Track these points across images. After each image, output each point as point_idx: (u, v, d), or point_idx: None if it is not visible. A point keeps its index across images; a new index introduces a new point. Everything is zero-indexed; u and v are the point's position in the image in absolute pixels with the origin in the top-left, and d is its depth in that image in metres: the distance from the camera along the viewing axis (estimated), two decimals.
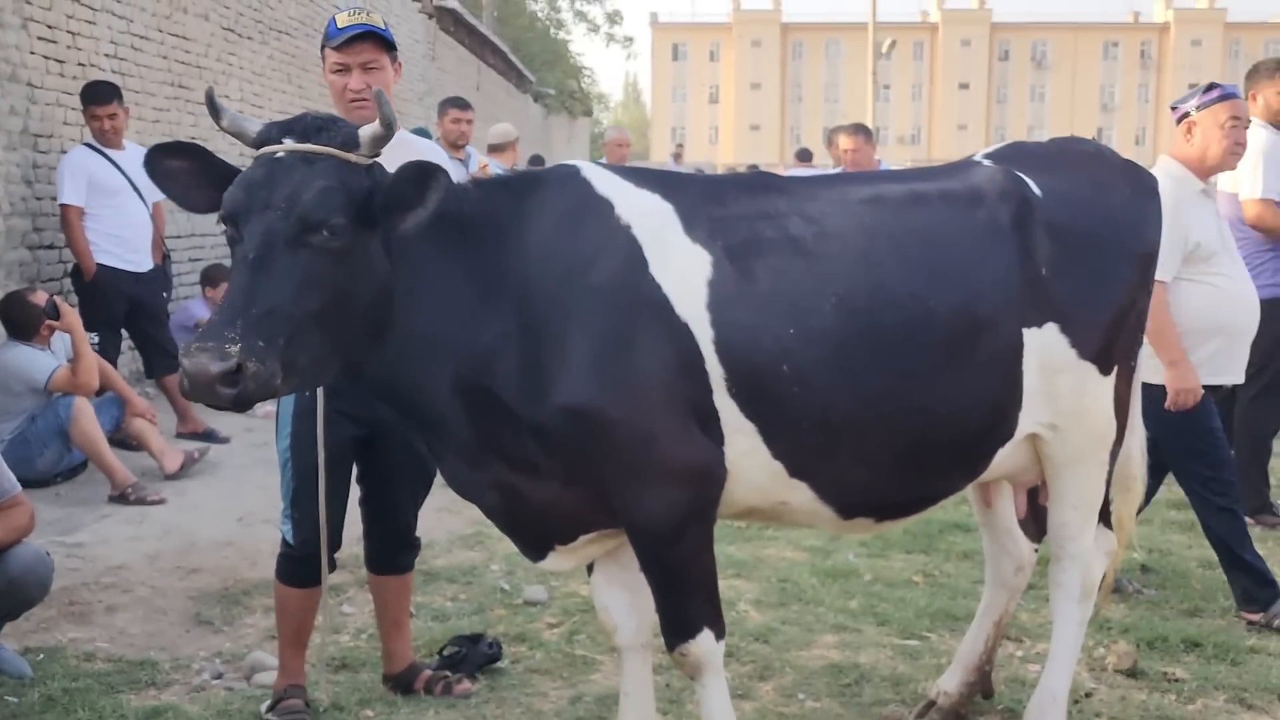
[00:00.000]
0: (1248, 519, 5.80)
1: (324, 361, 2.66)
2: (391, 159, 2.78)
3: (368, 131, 2.64)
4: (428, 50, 19.07)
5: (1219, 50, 79.79)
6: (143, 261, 7.22)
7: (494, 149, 8.49)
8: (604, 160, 8.97)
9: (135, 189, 7.12)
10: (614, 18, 42.89)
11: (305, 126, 2.63)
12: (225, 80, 10.15)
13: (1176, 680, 4.00)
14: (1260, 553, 5.39)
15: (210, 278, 8.47)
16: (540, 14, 41.38)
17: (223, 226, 2.62)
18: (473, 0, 28.87)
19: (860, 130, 8.19)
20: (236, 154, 4.72)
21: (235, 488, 6.45)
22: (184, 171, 2.75)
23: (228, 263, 8.39)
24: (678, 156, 22.98)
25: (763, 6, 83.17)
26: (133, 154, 7.23)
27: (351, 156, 2.61)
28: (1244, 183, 5.61)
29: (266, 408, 8.10)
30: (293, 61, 11.95)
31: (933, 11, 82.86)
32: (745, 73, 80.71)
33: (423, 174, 2.57)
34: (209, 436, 7.33)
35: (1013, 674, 4.05)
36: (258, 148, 2.64)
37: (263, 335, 2.43)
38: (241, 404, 2.47)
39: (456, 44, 22.14)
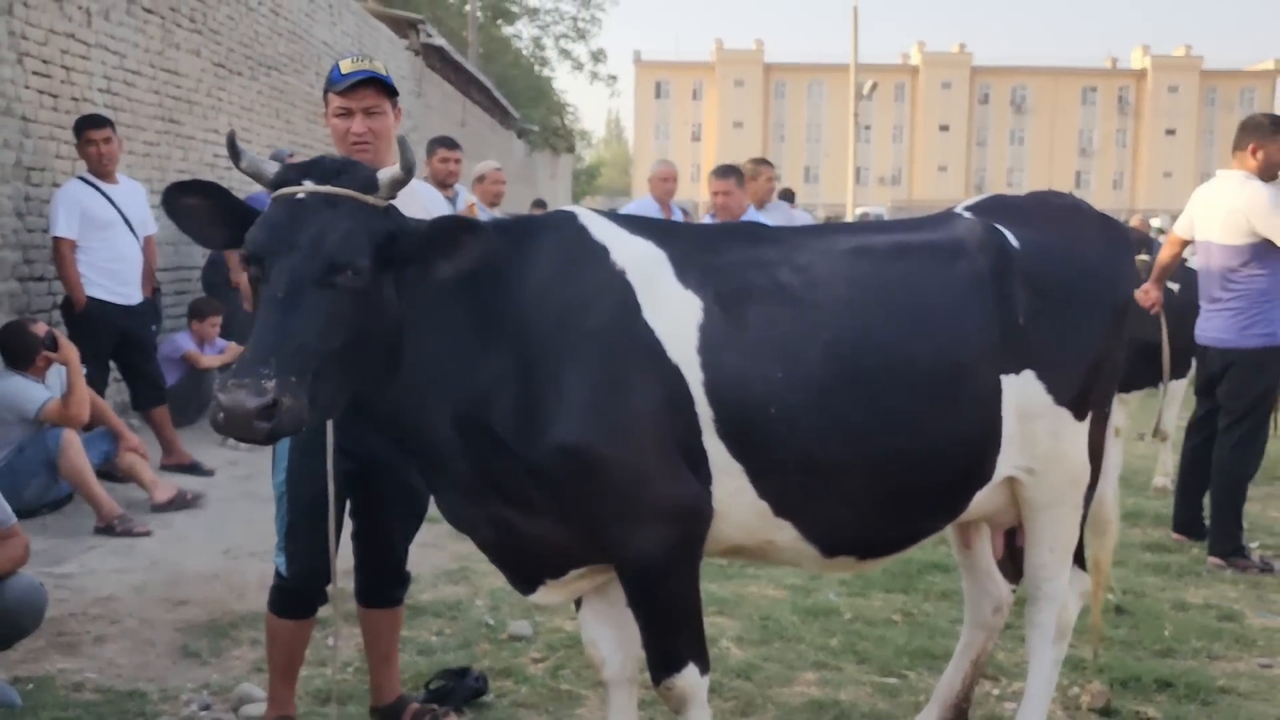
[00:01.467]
0: (1220, 561, 5.95)
1: (342, 396, 2.74)
2: (397, 202, 2.89)
3: (386, 175, 2.74)
4: (414, 87, 19.23)
5: (1195, 97, 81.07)
6: (133, 294, 7.27)
7: (477, 181, 8.61)
8: (647, 195, 8.86)
9: (127, 223, 7.20)
10: (598, 56, 43.24)
11: (324, 169, 2.72)
12: (215, 115, 10.25)
13: (1148, 719, 4.09)
14: (1233, 595, 5.54)
15: (197, 310, 8.53)
16: (525, 51, 41.75)
17: (247, 264, 2.70)
18: (458, 38, 29.16)
19: (731, 172, 7.31)
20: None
21: (221, 521, 6.49)
22: (200, 209, 2.84)
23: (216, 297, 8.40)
24: None
25: (745, 47, 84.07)
26: (125, 188, 7.33)
27: (370, 199, 2.71)
28: (1275, 232, 5.77)
29: None
30: (281, 97, 12.06)
31: (914, 54, 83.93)
32: (728, 111, 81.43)
33: (462, 226, 2.72)
34: (194, 469, 7.36)
35: (989, 712, 4.13)
36: (274, 189, 2.72)
37: (294, 371, 2.51)
38: (275, 437, 2.56)
39: (442, 81, 22.34)
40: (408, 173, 2.72)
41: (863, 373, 2.98)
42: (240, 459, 7.64)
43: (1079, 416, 3.29)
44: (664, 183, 8.60)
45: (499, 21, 39.71)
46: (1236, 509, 6.14)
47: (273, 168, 2.80)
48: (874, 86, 34.52)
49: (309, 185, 2.68)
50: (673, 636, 3.04)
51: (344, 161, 2.79)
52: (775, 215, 7.55)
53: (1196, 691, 4.31)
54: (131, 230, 7.24)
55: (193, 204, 2.86)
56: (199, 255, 9.44)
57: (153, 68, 9.07)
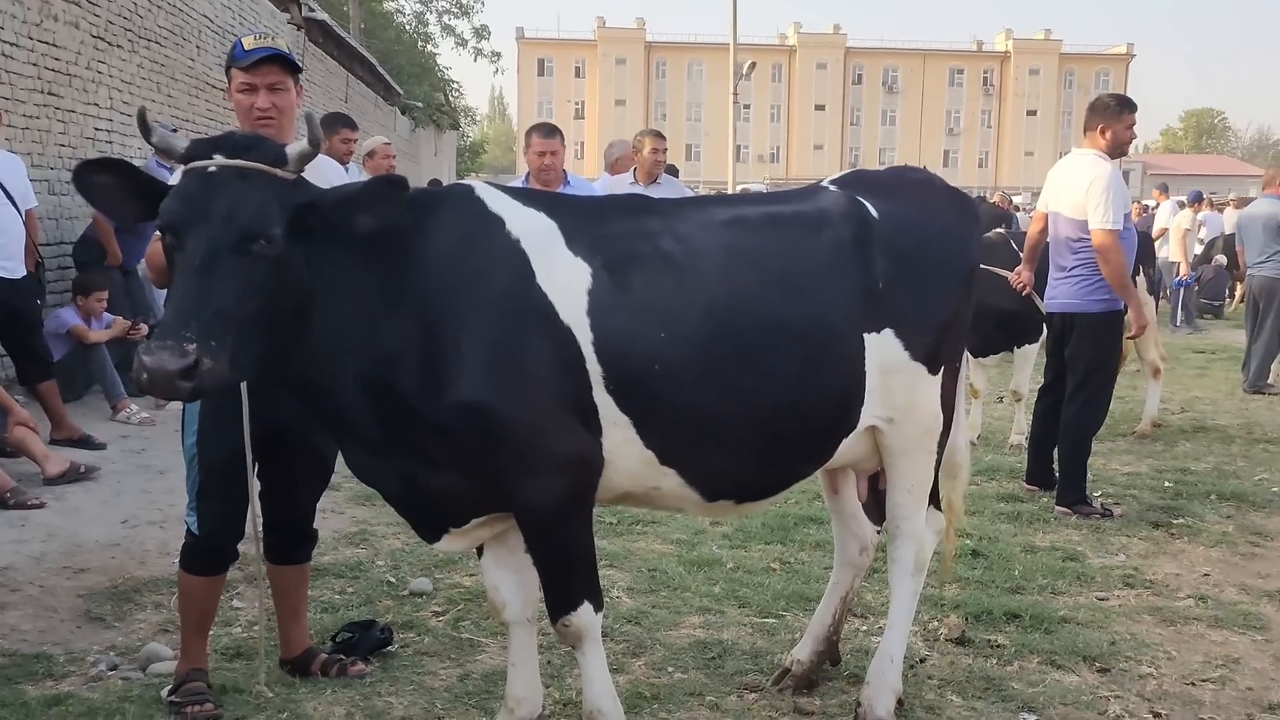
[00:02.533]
0: (1066, 509, 6.46)
1: (259, 358, 2.91)
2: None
3: (295, 149, 2.93)
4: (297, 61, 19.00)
5: (1055, 79, 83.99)
6: (15, 269, 7.22)
7: (367, 156, 8.70)
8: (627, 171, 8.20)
9: (8, 196, 7.14)
10: (481, 32, 42.97)
11: (234, 144, 2.90)
12: (95, 89, 10.10)
13: (998, 646, 4.53)
14: (1076, 539, 6.05)
15: (82, 286, 8.46)
16: (408, 27, 41.23)
17: (161, 234, 2.87)
18: (340, 12, 28.72)
19: (556, 132, 6.62)
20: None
21: (116, 493, 6.54)
22: (112, 186, 2.99)
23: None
24: None
25: (627, 25, 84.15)
26: (4, 161, 7.26)
27: (280, 172, 2.90)
28: (1094, 212, 6.28)
29: (144, 414, 8.17)
30: (162, 71, 11.90)
31: (790, 35, 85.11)
32: (610, 89, 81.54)
33: (395, 184, 2.93)
34: (85, 443, 7.36)
35: (858, 645, 4.51)
36: (185, 163, 2.89)
37: (214, 334, 2.70)
38: (197, 396, 2.76)
39: (325, 56, 22.06)
40: (315, 147, 2.91)
41: (738, 332, 3.27)
42: (132, 432, 7.66)
43: (933, 371, 3.65)
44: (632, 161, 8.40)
45: None
46: (1082, 462, 6.65)
47: (183, 143, 2.95)
48: (752, 66, 34.98)
49: (220, 159, 2.85)
50: (568, 578, 3.30)
51: (253, 137, 2.97)
52: (668, 189, 7.62)
53: (1040, 622, 4.76)
54: (13, 204, 7.18)
55: (104, 181, 3.00)
56: (80, 230, 9.32)
57: (30, 39, 8.92)
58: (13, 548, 5.52)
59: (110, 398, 8.31)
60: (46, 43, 9.18)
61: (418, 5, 42.07)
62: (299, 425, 3.58)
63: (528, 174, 6.51)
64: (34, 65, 8.96)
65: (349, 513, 6.24)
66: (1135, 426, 9.15)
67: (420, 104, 35.33)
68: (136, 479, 6.68)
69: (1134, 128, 6.54)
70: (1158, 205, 20.63)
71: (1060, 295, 6.63)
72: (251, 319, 2.80)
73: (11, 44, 8.60)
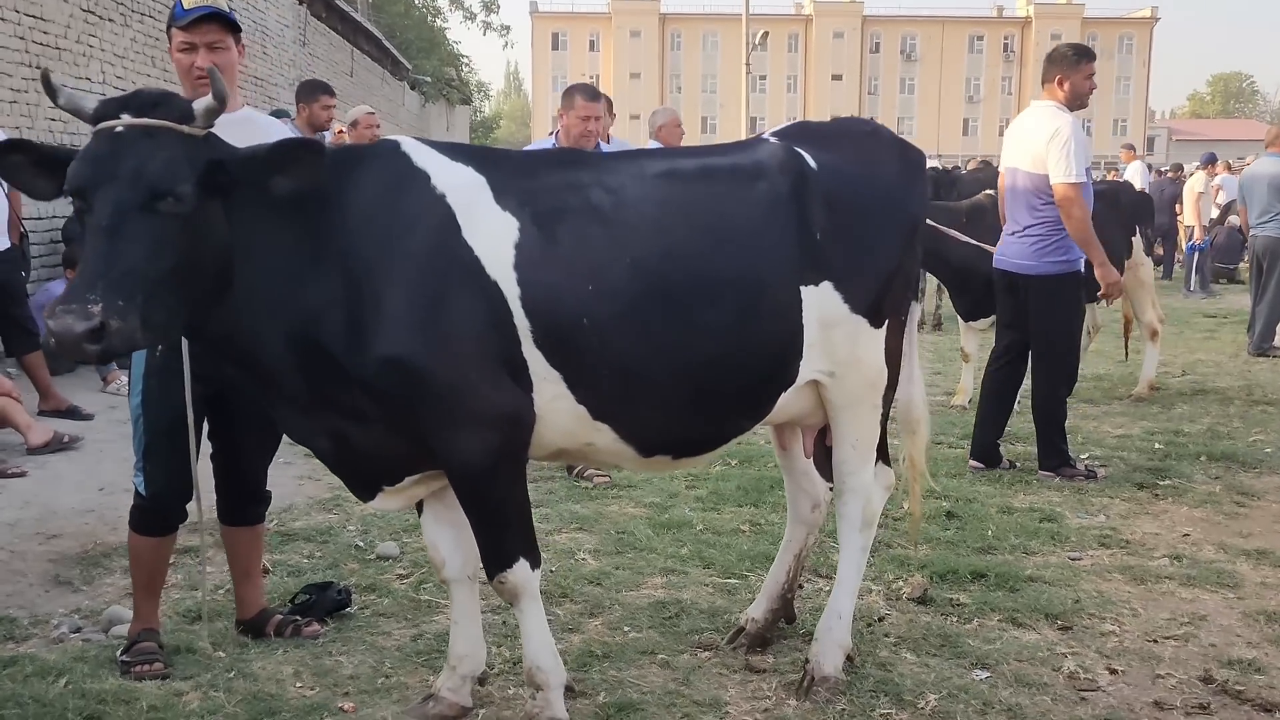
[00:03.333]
0: (1050, 473, 6.34)
1: (176, 318, 2.91)
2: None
3: (201, 104, 2.90)
4: (298, 35, 18.98)
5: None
6: None
7: (350, 126, 8.69)
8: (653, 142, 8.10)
9: None
10: (490, 6, 42.79)
11: (141, 102, 2.88)
12: (86, 62, 10.12)
13: (960, 605, 4.50)
14: (1056, 500, 6.01)
15: (72, 260, 8.50)
16: (417, 2, 41.10)
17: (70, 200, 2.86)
18: None
19: (600, 96, 6.66)
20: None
21: (97, 461, 6.59)
22: (25, 164, 2.98)
23: None
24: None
25: None
26: None
27: (187, 129, 2.87)
28: (1055, 166, 6.07)
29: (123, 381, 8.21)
30: (156, 44, 11.89)
31: (806, 4, 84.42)
32: (624, 62, 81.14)
33: (307, 146, 2.91)
34: (72, 414, 7.42)
35: (818, 605, 4.47)
36: (95, 123, 2.87)
37: (122, 294, 2.68)
38: (107, 357, 2.75)
39: (329, 30, 22.03)
40: (220, 101, 2.88)
41: (667, 286, 3.23)
42: (120, 403, 7.66)
43: (875, 324, 3.61)
44: (677, 128, 8.48)
45: None
46: (1059, 426, 6.47)
47: (91, 102, 2.92)
48: (764, 36, 34.84)
49: (127, 119, 2.83)
50: (502, 534, 3.28)
51: (161, 94, 2.94)
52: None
53: (1006, 580, 4.73)
54: None
55: (16, 160, 3.00)
56: (68, 204, 9.36)
57: (17, 13, 8.94)
58: None
59: (100, 370, 8.36)
60: (34, 16, 9.20)
61: None
62: (231, 385, 3.57)
63: (554, 134, 6.37)
64: (21, 39, 8.98)
65: (326, 479, 6.25)
66: (1133, 390, 9.07)
67: (429, 79, 35.26)
68: (119, 448, 6.69)
69: (1093, 78, 6.32)
70: (1126, 166, 20.50)
71: (1012, 254, 6.40)
72: (163, 278, 2.78)
73: None
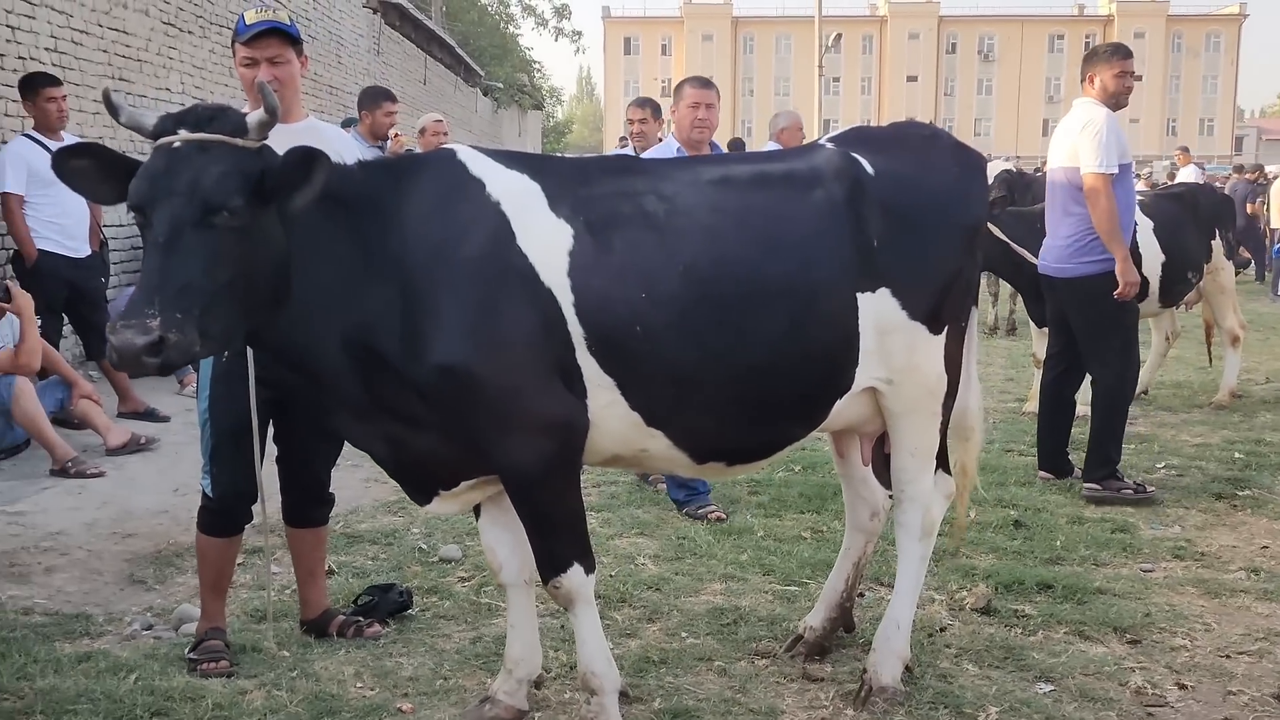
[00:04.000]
0: (1094, 485, 6.06)
1: (235, 328, 2.98)
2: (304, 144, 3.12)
3: (254, 118, 2.95)
4: (372, 45, 19.28)
5: (1161, 43, 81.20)
6: (80, 248, 7.49)
7: (419, 133, 8.83)
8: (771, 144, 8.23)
9: None
10: (562, 12, 43.13)
11: (197, 116, 2.94)
12: (166, 74, 10.38)
13: (1025, 616, 4.42)
14: (1130, 510, 5.84)
15: None
16: (490, 8, 41.53)
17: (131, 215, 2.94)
18: None
19: (647, 104, 7.04)
20: None
21: (172, 462, 6.75)
22: (90, 169, 3.04)
23: None
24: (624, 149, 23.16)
25: (713, 1, 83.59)
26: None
27: (240, 141, 2.92)
28: (1086, 155, 5.88)
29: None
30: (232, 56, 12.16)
31: (881, 5, 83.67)
32: (696, 66, 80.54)
33: (307, 157, 2.90)
34: (150, 415, 7.61)
35: (878, 614, 4.42)
36: (155, 139, 2.94)
37: (179, 308, 2.75)
38: (166, 370, 2.81)
39: (402, 39, 22.34)
40: (270, 114, 2.93)
41: (721, 293, 3.22)
42: (194, 405, 7.84)
43: (934, 331, 3.56)
44: (798, 131, 8.52)
45: None
46: (1115, 434, 6.14)
47: (152, 119, 2.99)
48: (838, 38, 34.60)
49: (183, 134, 2.89)
50: (556, 540, 3.30)
51: (217, 108, 3.00)
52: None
53: (1073, 592, 4.64)
54: None
55: (81, 165, 3.05)
56: None
57: (100, 26, 9.21)
58: (68, 514, 5.74)
59: (177, 373, 8.56)
60: (116, 30, 9.47)
61: None
62: (291, 390, 3.63)
63: (624, 140, 6.43)
64: (104, 52, 9.25)
65: (391, 482, 6.30)
66: (1213, 397, 8.85)
67: (501, 85, 35.59)
68: (193, 450, 6.80)
69: (1126, 76, 6.04)
70: (1179, 168, 20.01)
71: (1050, 258, 6.19)
72: (220, 290, 2.83)
73: (81, 31, 8.89)
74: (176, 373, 8.47)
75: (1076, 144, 5.94)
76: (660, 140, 6.43)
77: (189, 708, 3.61)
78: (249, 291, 2.94)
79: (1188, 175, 18.43)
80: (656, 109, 6.91)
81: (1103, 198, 5.83)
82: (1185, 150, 21.72)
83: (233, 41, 3.86)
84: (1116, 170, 5.87)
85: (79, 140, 3.31)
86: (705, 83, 6.06)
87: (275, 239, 2.98)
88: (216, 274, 2.83)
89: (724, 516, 5.68)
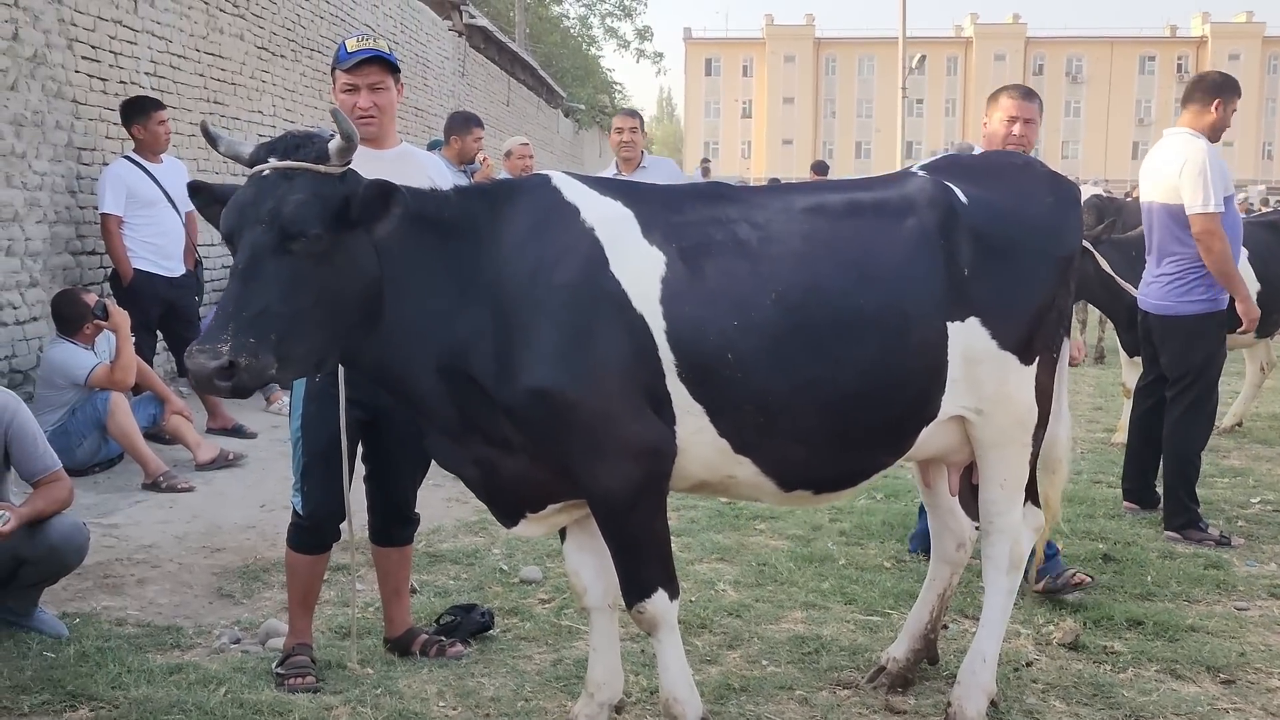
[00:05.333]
0: (1175, 534, 5.86)
1: (322, 350, 3.04)
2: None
3: (334, 145, 3.00)
4: (457, 67, 19.57)
5: (1257, 64, 79.19)
6: (176, 267, 7.70)
7: (505, 156, 8.94)
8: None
9: (170, 200, 7.62)
10: (644, 34, 43.43)
11: (286, 145, 3.01)
12: (259, 97, 10.64)
13: (1114, 653, 4.32)
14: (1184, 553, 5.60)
15: None
16: (573, 31, 41.98)
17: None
18: (505, 17, 29.45)
19: (635, 114, 7.23)
20: None
21: (260, 478, 6.89)
22: (207, 201, 3.16)
23: None
24: (705, 170, 23.25)
25: (796, 22, 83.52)
26: (168, 166, 7.74)
27: (323, 168, 2.98)
28: (1190, 196, 5.68)
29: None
30: (324, 79, 12.43)
31: (967, 26, 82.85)
32: (778, 87, 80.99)
33: (383, 192, 2.96)
34: (238, 432, 7.77)
35: (963, 646, 4.35)
36: (251, 167, 3.02)
37: (254, 334, 2.82)
38: (239, 393, 2.88)
39: (487, 61, 22.66)
40: (348, 140, 2.98)
41: (811, 321, 3.22)
42: (281, 423, 8.01)
43: (1025, 361, 3.51)
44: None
45: (547, 1, 40.02)
46: (1189, 482, 5.95)
47: (249, 149, 3.08)
48: (922, 59, 34.33)
49: (272, 162, 2.97)
50: (642, 565, 3.31)
51: (305, 135, 3.06)
52: (655, 173, 7.15)
53: (1165, 629, 4.52)
54: (174, 207, 7.66)
55: (203, 199, 3.18)
56: None
57: (198, 51, 9.47)
58: (160, 527, 5.88)
59: (265, 390, 8.75)
60: (213, 54, 9.74)
61: (582, 9, 42.88)
62: (386, 411, 3.69)
63: (705, 160, 6.57)
64: (200, 76, 9.51)
65: (474, 502, 6.37)
66: None
67: (583, 106, 35.90)
68: (279, 466, 6.99)
69: (1230, 109, 5.81)
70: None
71: (1152, 295, 6.02)
72: (300, 315, 2.90)
73: (180, 56, 9.15)
74: (264, 389, 8.68)
75: (1179, 184, 5.73)
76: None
77: None
78: (335, 315, 3.00)
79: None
80: (642, 120, 6.98)
81: (1216, 240, 5.65)
82: None
83: (333, 68, 3.95)
84: (1224, 209, 5.71)
85: (192, 180, 3.45)
86: (1028, 93, 5.21)
87: (364, 263, 3.03)
88: (295, 300, 2.89)
89: (1089, 578, 4.95)
